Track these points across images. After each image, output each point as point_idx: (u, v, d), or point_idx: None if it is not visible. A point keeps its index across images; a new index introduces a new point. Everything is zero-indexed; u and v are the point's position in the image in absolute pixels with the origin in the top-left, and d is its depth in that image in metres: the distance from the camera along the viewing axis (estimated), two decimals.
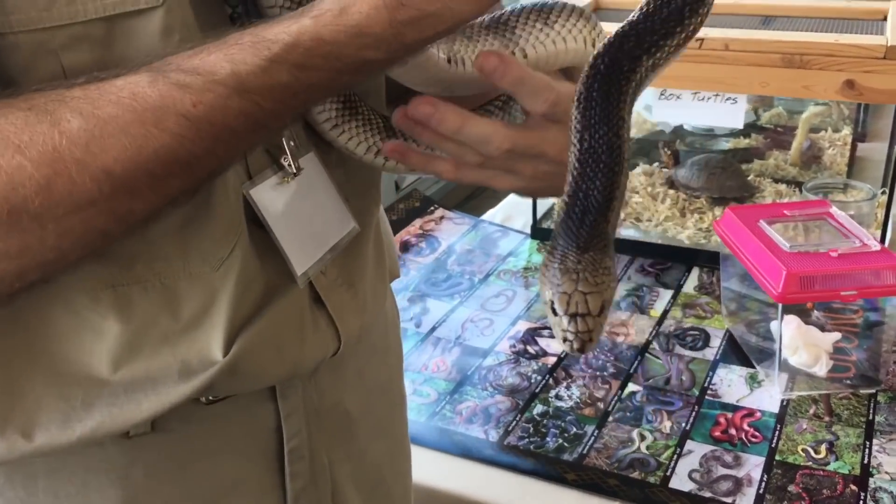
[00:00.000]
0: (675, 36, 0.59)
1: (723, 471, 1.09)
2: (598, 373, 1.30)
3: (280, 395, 0.72)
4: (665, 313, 1.45)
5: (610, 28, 0.63)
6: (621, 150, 0.58)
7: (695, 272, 1.58)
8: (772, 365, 1.26)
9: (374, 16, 0.52)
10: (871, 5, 1.61)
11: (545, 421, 1.20)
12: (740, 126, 1.65)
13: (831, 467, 1.09)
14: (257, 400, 0.71)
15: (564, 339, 0.56)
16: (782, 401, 1.22)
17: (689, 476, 1.09)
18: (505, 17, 0.67)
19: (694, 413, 1.20)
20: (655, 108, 1.55)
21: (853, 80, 1.36)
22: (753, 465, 1.10)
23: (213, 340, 0.63)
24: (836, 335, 1.27)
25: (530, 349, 1.37)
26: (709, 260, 1.56)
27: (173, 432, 0.67)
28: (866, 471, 1.08)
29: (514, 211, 1.82)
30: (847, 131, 1.89)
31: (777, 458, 1.11)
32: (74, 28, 0.53)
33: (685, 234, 1.66)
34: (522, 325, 1.43)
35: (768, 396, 1.23)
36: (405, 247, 1.69)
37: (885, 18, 1.55)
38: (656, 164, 1.85)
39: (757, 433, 1.16)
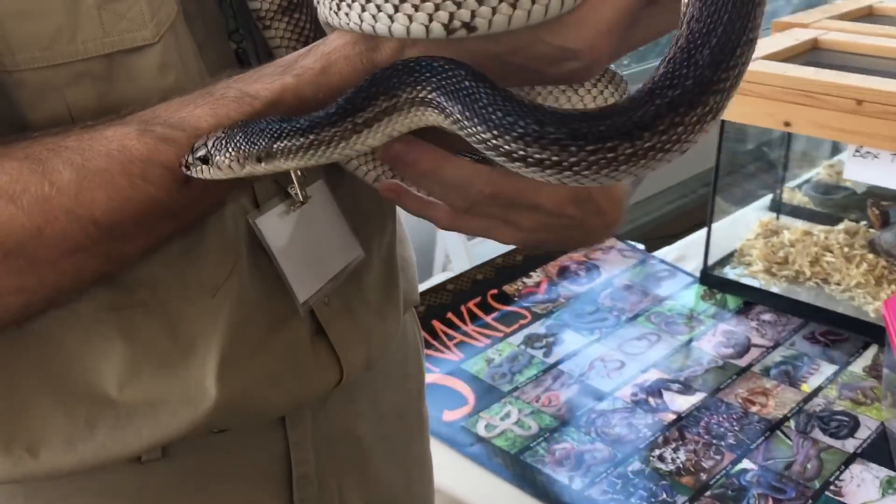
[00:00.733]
0: None
1: None
2: (714, 440, 1.20)
3: (289, 424, 0.73)
4: (818, 390, 1.31)
5: None
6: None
7: (871, 350, 1.40)
8: None
9: (353, 79, 0.53)
10: None
11: (636, 480, 1.13)
12: None
13: None
14: (266, 428, 0.72)
15: None
16: None
17: None
18: None
19: None
20: (848, 165, 1.39)
21: None
22: None
23: (209, 368, 0.64)
24: None
25: (652, 401, 1.29)
26: None
27: (184, 458, 0.68)
28: None
29: (690, 251, 1.72)
30: None
31: None
32: (76, 66, 0.55)
33: (874, 305, 1.48)
34: (653, 374, 1.35)
35: None
36: (562, 272, 1.65)
37: None
38: (863, 223, 1.66)
39: None
